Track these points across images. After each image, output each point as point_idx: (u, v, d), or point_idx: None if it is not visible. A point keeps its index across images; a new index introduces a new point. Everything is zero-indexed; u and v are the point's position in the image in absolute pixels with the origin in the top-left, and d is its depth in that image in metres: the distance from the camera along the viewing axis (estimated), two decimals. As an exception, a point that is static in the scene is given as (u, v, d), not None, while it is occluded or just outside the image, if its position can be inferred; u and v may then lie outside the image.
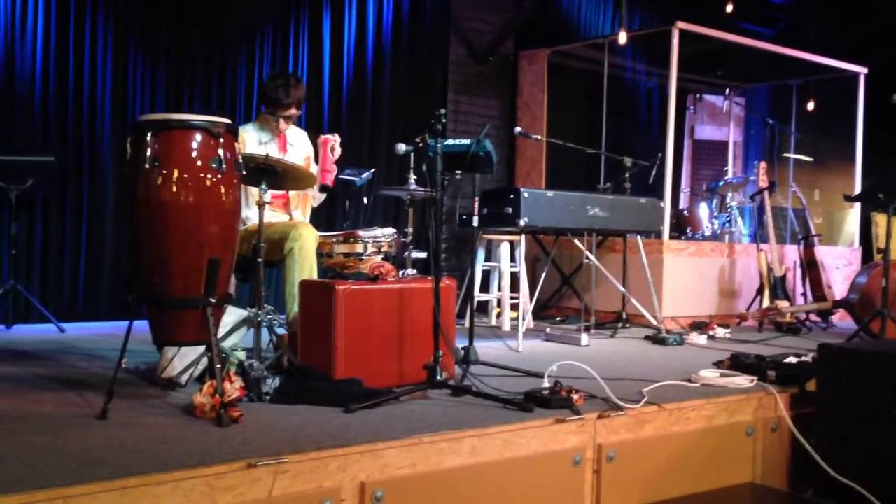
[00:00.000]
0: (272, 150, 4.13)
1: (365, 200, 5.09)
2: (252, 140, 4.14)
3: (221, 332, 3.28)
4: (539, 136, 6.67)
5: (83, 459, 2.26)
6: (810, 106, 8.25)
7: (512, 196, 5.19)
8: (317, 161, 4.29)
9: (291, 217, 4.25)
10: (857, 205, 7.68)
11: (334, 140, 4.23)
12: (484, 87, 7.58)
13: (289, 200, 4.25)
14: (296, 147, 4.31)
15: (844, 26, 8.35)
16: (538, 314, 6.29)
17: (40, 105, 5.28)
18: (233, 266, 3.13)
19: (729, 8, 7.98)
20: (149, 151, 2.92)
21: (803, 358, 4.14)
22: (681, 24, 6.43)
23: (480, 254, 6.00)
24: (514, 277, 5.91)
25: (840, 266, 7.49)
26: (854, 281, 6.23)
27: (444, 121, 3.52)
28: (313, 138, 4.41)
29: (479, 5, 7.49)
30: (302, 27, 6.37)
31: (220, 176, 2.98)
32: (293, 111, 4.18)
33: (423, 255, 4.78)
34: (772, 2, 8.97)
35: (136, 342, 3.09)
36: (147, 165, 2.91)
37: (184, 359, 3.29)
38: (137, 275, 3.01)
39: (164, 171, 2.91)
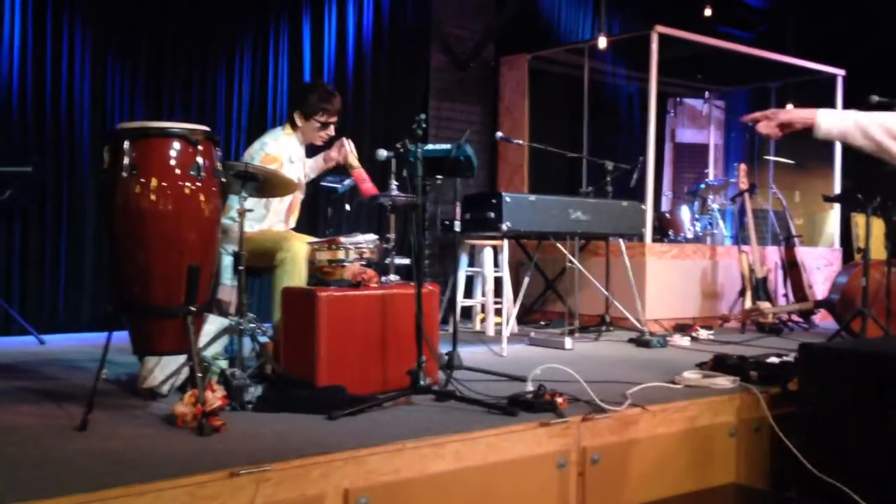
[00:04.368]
0: (298, 168, 4.17)
1: (347, 207, 5.08)
2: (287, 158, 4.13)
3: (203, 340, 3.26)
4: (521, 141, 6.68)
5: (64, 471, 2.24)
6: (789, 108, 8.30)
7: (494, 201, 5.20)
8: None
9: (272, 224, 4.24)
10: (837, 206, 7.74)
11: (347, 145, 4.26)
12: (465, 92, 7.60)
13: (271, 208, 4.24)
14: (305, 163, 4.35)
15: (822, 28, 8.43)
16: (522, 318, 6.29)
17: (18, 115, 5.24)
18: (213, 273, 3.11)
19: (707, 12, 8.04)
20: (126, 159, 2.91)
21: (785, 358, 4.16)
22: (660, 29, 6.47)
23: (463, 259, 6.00)
24: (498, 282, 5.92)
25: (821, 266, 7.54)
26: (835, 281, 6.28)
27: (424, 126, 3.53)
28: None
29: (459, 11, 7.51)
30: (282, 35, 6.36)
31: (198, 184, 2.97)
32: (336, 120, 4.23)
33: (406, 260, 4.77)
34: (750, 5, 9.04)
35: (116, 352, 3.07)
36: (125, 174, 2.90)
37: (165, 368, 3.26)
38: (117, 284, 2.99)
39: (143, 180, 2.90)
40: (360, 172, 4.22)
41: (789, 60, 7.49)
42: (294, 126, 4.25)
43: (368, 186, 4.18)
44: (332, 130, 4.29)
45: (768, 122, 2.66)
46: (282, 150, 4.15)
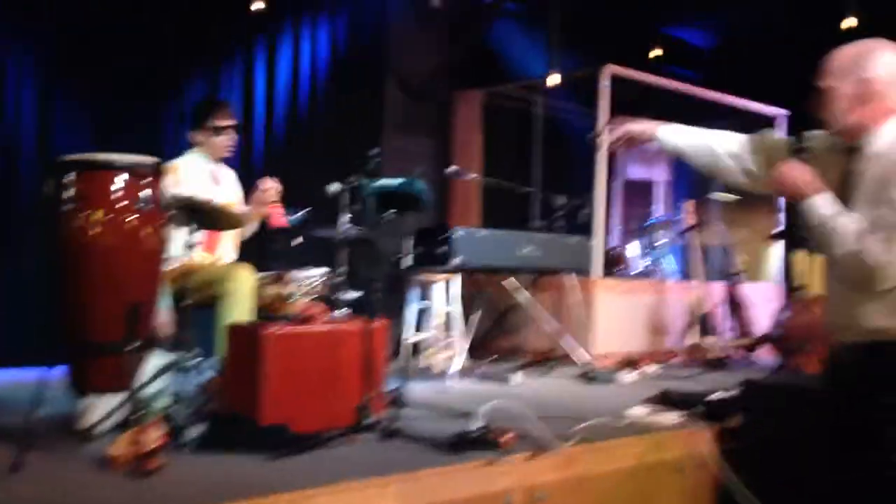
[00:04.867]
0: (207, 183, 4.09)
1: (296, 241, 5.04)
2: (187, 174, 4.08)
3: (144, 378, 3.19)
4: (472, 175, 6.72)
5: (-8, 515, 2.17)
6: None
7: (446, 235, 5.21)
8: (246, 203, 4.26)
9: (218, 257, 4.18)
10: (781, 242, 7.91)
11: (273, 184, 4.23)
12: (419, 126, 7.63)
13: (217, 241, 4.19)
14: (224, 184, 4.27)
15: (767, 70, 8.66)
16: (472, 354, 6.28)
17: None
18: (155, 309, 3.06)
19: (655, 53, 8.21)
20: (71, 192, 2.86)
21: (730, 393, 4.21)
22: (610, 67, 6.58)
23: (414, 293, 5.99)
24: (449, 317, 5.91)
25: (764, 302, 7.67)
26: (777, 317, 6.39)
27: (376, 160, 3.53)
28: (245, 180, 4.39)
29: (414, 47, 7.56)
30: (235, 68, 6.34)
31: (144, 217, 2.94)
32: (232, 124, 4.17)
33: (356, 295, 4.75)
34: (697, 46, 9.26)
35: (55, 389, 2.99)
36: (68, 206, 2.85)
37: (104, 407, 3.18)
38: (57, 319, 2.93)
39: (87, 213, 2.85)
40: (274, 206, 4.18)
41: (734, 101, 7.67)
42: (195, 144, 4.21)
43: (278, 219, 4.17)
44: (232, 135, 4.22)
45: (609, 137, 2.88)
46: (188, 165, 4.10)
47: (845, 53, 2.46)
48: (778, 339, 6.12)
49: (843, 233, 2.28)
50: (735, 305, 6.88)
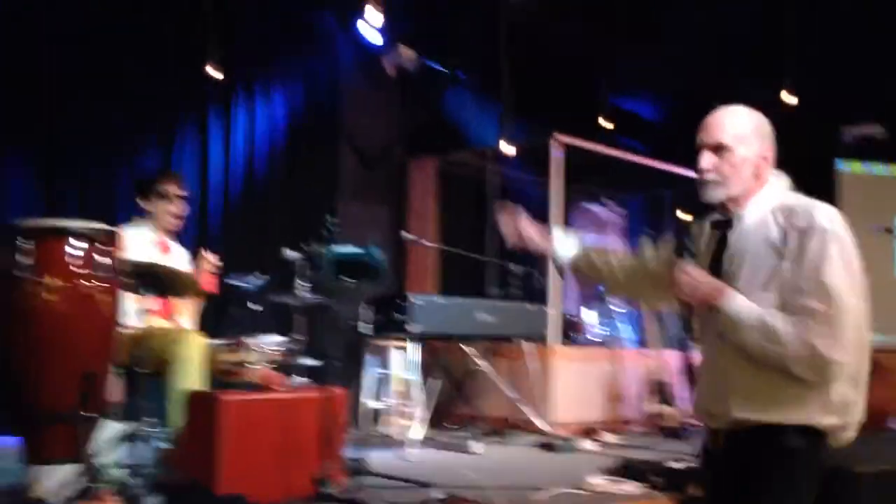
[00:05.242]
0: (154, 252, 4.04)
1: (252, 307, 4.98)
2: (134, 242, 4.01)
3: (98, 447, 3.09)
4: (427, 242, 6.76)
5: None
6: (681, 215, 8.71)
7: (403, 303, 5.20)
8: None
9: (175, 324, 4.11)
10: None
11: (210, 257, 4.21)
12: (374, 192, 7.67)
13: (172, 308, 4.12)
14: (173, 254, 4.23)
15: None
16: (431, 421, 6.22)
17: None
18: (108, 377, 2.99)
19: (605, 124, 8.42)
20: (27, 258, 2.80)
21: (687, 462, 4.21)
22: (559, 137, 6.72)
23: (372, 360, 5.94)
24: (407, 384, 5.86)
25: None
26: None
27: (331, 228, 3.53)
28: (192, 248, 4.37)
29: (368, 114, 7.64)
30: (189, 130, 6.33)
31: (98, 283, 2.89)
32: (181, 194, 4.15)
33: (314, 363, 4.69)
34: (644, 118, 9.53)
35: (3, 459, 2.88)
36: (24, 272, 2.79)
37: (56, 477, 3.06)
38: (7, 386, 2.84)
39: (40, 279, 2.79)
40: (206, 274, 4.19)
41: (679, 170, 7.87)
42: (141, 214, 4.18)
43: (207, 284, 4.18)
44: (180, 205, 4.20)
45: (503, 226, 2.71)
46: (134, 234, 4.04)
47: (742, 113, 2.25)
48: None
49: (786, 331, 2.05)
50: (690, 373, 6.93)
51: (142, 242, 4.06)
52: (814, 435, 2.12)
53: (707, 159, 2.23)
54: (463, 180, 8.23)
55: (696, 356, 7.25)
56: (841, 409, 2.12)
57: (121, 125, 5.88)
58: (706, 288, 2.19)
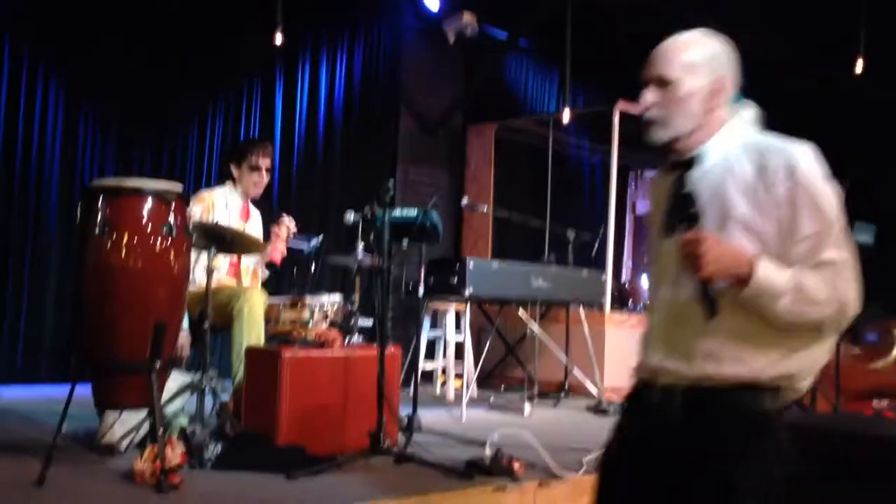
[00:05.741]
0: (235, 217, 4.21)
1: (312, 268, 5.14)
2: (220, 204, 4.20)
3: (165, 396, 3.27)
4: (485, 208, 6.83)
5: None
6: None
7: (458, 266, 5.29)
8: (266, 238, 4.37)
9: (240, 282, 4.28)
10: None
11: (290, 223, 4.35)
12: (433, 158, 7.75)
13: (239, 270, 4.29)
14: (252, 221, 4.40)
15: (777, 107, 8.74)
16: (482, 383, 6.34)
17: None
18: (179, 330, 3.15)
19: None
20: (100, 216, 2.96)
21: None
22: (621, 105, 6.69)
23: (426, 322, 6.06)
24: (459, 346, 5.97)
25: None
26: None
27: (391, 191, 3.62)
28: (264, 211, 4.53)
29: (429, 81, 7.71)
30: (255, 97, 6.48)
31: (169, 241, 3.03)
32: (268, 166, 4.30)
33: (370, 322, 4.83)
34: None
35: (76, 406, 3.07)
36: (97, 230, 2.95)
37: (125, 423, 3.26)
38: (82, 338, 3.02)
39: (115, 236, 2.95)
40: (280, 241, 4.34)
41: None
42: (229, 178, 4.33)
43: (274, 254, 4.33)
44: (264, 175, 4.33)
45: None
46: (215, 196, 4.22)
47: (695, 40, 1.92)
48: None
49: (818, 288, 1.71)
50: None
51: (228, 206, 4.23)
52: (776, 392, 1.79)
53: (649, 95, 1.92)
54: (521, 146, 8.25)
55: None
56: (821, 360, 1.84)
57: (191, 89, 6.06)
58: (730, 258, 1.71)
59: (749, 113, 1.92)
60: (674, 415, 1.80)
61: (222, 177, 4.47)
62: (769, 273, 1.70)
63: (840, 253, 1.73)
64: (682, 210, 1.80)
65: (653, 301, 1.96)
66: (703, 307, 1.70)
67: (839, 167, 2.01)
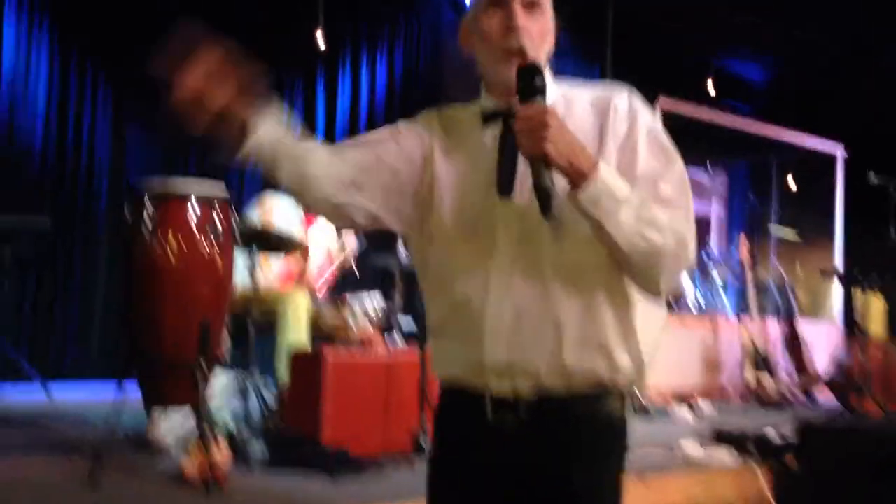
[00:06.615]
0: (297, 224, 4.27)
1: (354, 268, 5.15)
2: (284, 211, 4.24)
3: (213, 394, 3.31)
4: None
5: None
6: (790, 183, 8.45)
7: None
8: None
9: (285, 284, 4.31)
10: (839, 280, 7.80)
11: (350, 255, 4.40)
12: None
13: (293, 276, 4.32)
14: (315, 227, 4.43)
15: (823, 105, 8.57)
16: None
17: (39, 167, 5.37)
18: (222, 331, 3.18)
19: (710, 87, 8.20)
20: (148, 218, 3.00)
21: (785, 434, 4.17)
22: (662, 100, 6.61)
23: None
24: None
25: (822, 341, 7.57)
26: (836, 358, 6.30)
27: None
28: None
29: (470, 78, 7.65)
30: (296, 95, 6.52)
31: (216, 242, 3.06)
32: None
33: (411, 323, 4.83)
34: (751, 79, 9.21)
35: (124, 404, 3.11)
36: (145, 231, 2.99)
37: (172, 422, 3.30)
38: (131, 337, 3.06)
39: (162, 238, 2.99)
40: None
41: (787, 136, 7.62)
42: None
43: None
44: None
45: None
46: (282, 204, 4.25)
47: None
48: (836, 380, 6.03)
49: (660, 216, 1.50)
50: (792, 344, 6.79)
51: (291, 213, 4.26)
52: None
53: (520, 16, 1.57)
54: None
55: (799, 326, 6.97)
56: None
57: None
58: (576, 144, 1.43)
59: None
60: (511, 429, 1.49)
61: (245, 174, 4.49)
62: (613, 174, 1.46)
63: (678, 195, 1.55)
64: (527, 81, 1.50)
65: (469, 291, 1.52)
66: (538, 200, 1.41)
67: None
